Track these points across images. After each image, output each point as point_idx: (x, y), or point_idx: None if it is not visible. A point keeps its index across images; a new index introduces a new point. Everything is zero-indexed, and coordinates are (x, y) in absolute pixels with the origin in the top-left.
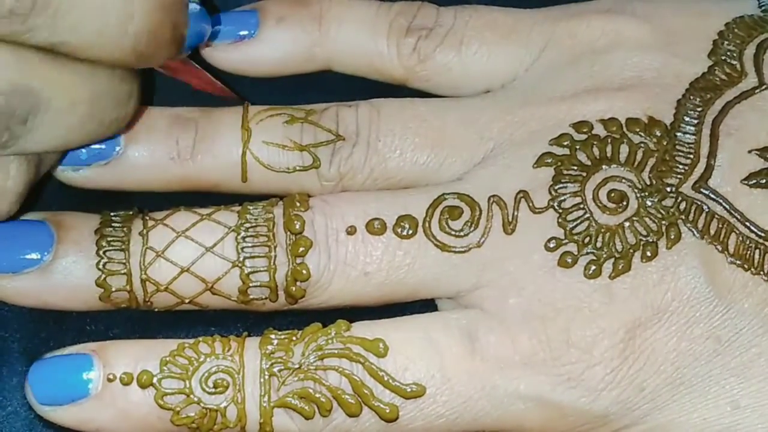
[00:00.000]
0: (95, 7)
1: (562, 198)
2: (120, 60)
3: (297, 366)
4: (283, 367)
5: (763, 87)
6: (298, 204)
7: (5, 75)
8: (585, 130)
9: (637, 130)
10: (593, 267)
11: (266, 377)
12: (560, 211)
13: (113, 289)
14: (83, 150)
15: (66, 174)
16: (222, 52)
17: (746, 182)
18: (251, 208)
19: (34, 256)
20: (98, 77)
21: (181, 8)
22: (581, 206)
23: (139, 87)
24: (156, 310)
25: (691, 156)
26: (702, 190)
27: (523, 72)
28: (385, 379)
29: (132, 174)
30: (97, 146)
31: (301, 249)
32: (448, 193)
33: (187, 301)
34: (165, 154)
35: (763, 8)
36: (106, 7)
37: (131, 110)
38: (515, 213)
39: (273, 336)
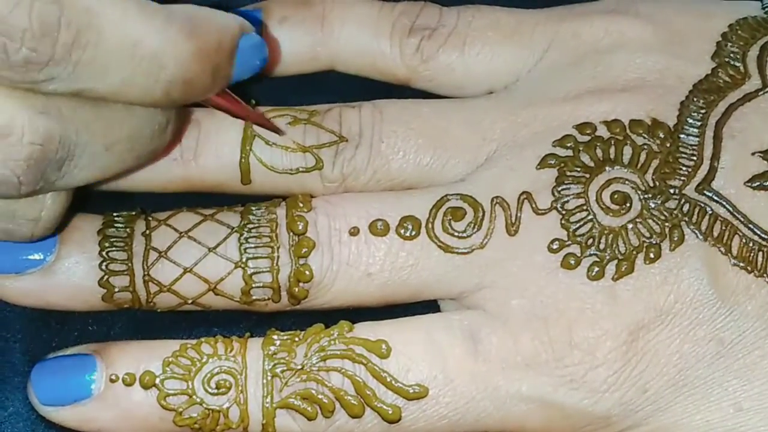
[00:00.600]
0: (121, 57)
1: (565, 199)
2: (153, 104)
3: (300, 367)
4: (285, 368)
5: (766, 89)
6: (301, 205)
7: (40, 124)
8: (588, 132)
9: (641, 131)
10: (596, 268)
11: (269, 378)
12: (563, 212)
13: (116, 290)
14: None
15: None
16: None
17: (749, 184)
18: (254, 208)
19: (36, 256)
20: (135, 115)
21: (227, 51)
22: (584, 208)
23: (176, 114)
24: (158, 310)
25: (695, 158)
26: (705, 192)
27: (526, 73)
28: (388, 380)
29: (135, 174)
30: None
31: (304, 250)
32: (451, 194)
33: (189, 301)
34: (167, 155)
35: (766, 10)
36: (134, 57)
37: (169, 137)
38: (518, 214)
39: (276, 337)
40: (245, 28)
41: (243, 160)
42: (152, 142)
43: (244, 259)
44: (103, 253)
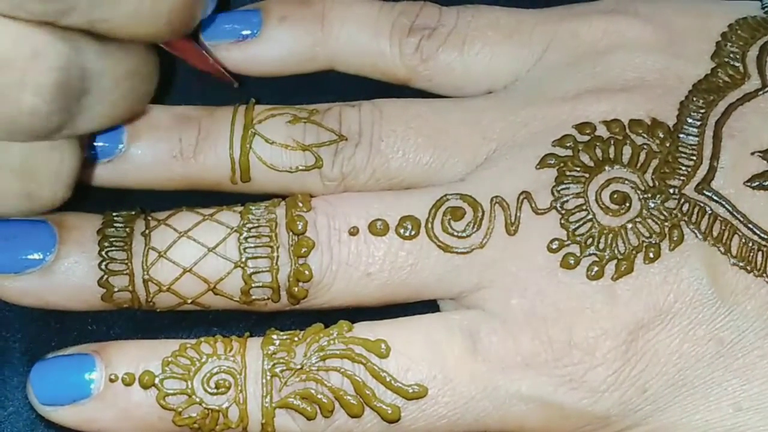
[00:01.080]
0: None
1: (565, 199)
2: (154, 35)
3: (299, 366)
4: (285, 368)
5: (766, 89)
6: (300, 204)
7: (62, 50)
8: (588, 131)
9: (640, 131)
10: (596, 268)
11: (268, 378)
12: (563, 212)
13: (115, 290)
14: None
15: None
16: (224, 52)
17: (749, 184)
18: (253, 208)
19: (36, 256)
20: (132, 53)
21: None
22: (584, 207)
23: (158, 62)
24: (158, 310)
25: (694, 158)
26: (705, 191)
27: (526, 72)
28: (387, 380)
29: (135, 172)
30: (99, 144)
31: (304, 249)
32: (451, 194)
33: (189, 301)
34: (167, 153)
35: (766, 10)
36: None
37: (155, 84)
38: (518, 214)
39: (275, 336)
40: None
41: (243, 158)
42: (146, 84)
43: (243, 259)
44: (103, 252)
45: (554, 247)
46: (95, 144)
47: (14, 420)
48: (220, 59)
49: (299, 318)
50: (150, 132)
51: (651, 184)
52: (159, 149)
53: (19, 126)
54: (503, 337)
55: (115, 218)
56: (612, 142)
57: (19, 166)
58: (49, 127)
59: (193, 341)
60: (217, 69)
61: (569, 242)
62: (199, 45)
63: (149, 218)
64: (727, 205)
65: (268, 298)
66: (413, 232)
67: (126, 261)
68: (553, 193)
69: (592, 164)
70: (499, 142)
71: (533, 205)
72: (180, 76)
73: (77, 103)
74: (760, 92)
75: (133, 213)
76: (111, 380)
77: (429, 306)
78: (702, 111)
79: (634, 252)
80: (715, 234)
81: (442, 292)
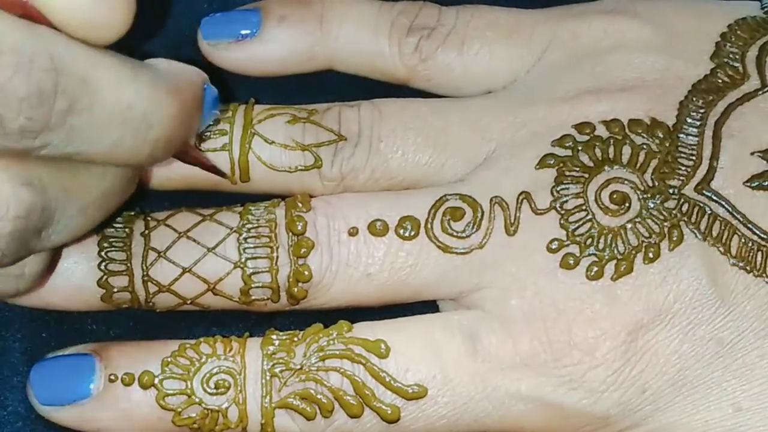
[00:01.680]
0: (114, 120)
1: (564, 199)
2: (136, 164)
3: (298, 367)
4: (284, 368)
5: (766, 89)
6: (300, 205)
7: (24, 197)
8: (587, 131)
9: (640, 131)
10: (595, 268)
11: (268, 378)
12: (562, 212)
13: (115, 290)
14: None
15: None
16: (224, 51)
17: (748, 184)
18: (253, 208)
19: None
20: (109, 175)
21: (200, 106)
22: (583, 207)
23: (136, 172)
24: (157, 310)
25: (694, 158)
26: (704, 191)
27: (525, 73)
28: (387, 380)
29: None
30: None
31: (303, 250)
32: (450, 194)
33: (188, 301)
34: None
35: (765, 10)
36: (125, 119)
37: (133, 188)
38: (517, 214)
39: (274, 337)
40: (206, 81)
41: (242, 158)
42: (119, 197)
43: (243, 259)
44: (102, 253)
45: (554, 247)
46: None
47: (14, 420)
48: (219, 58)
49: (299, 318)
50: None
51: (650, 184)
52: None
53: None
54: (503, 338)
55: (115, 219)
56: (611, 142)
57: None
58: (4, 263)
59: (193, 341)
60: (209, 165)
61: (569, 242)
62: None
63: (149, 218)
64: (726, 205)
65: (268, 299)
66: (413, 233)
67: (125, 261)
68: (552, 194)
69: (591, 164)
70: (499, 142)
71: (533, 206)
72: None
73: (37, 238)
74: (760, 92)
75: (133, 213)
76: (111, 380)
77: (429, 306)
78: (701, 111)
79: (633, 252)
80: (714, 234)
81: (442, 293)
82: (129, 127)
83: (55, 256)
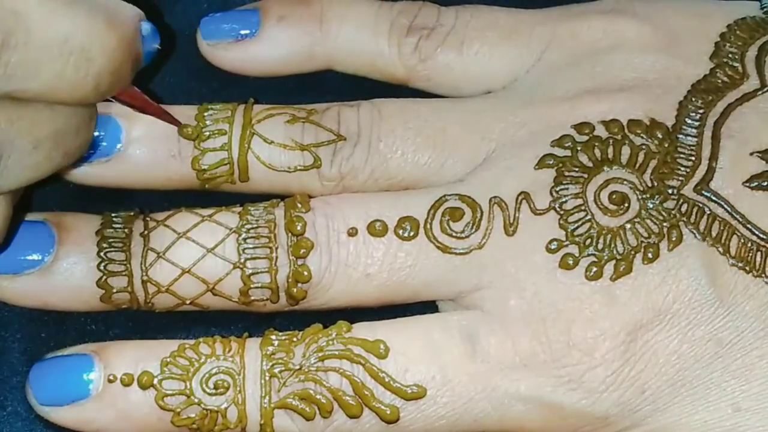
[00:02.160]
0: (50, 55)
1: (564, 199)
2: (81, 99)
3: (298, 367)
4: (283, 368)
5: (765, 89)
6: (299, 205)
7: None
8: (586, 132)
9: (639, 131)
10: (594, 269)
11: (267, 378)
12: (561, 212)
13: (114, 291)
14: None
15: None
16: (223, 51)
17: (748, 184)
18: (252, 209)
19: (35, 257)
20: (59, 113)
21: (139, 37)
22: (582, 208)
23: (95, 108)
24: (157, 311)
25: (693, 158)
26: (703, 192)
27: (524, 73)
28: (386, 380)
29: (133, 171)
30: (99, 143)
31: (303, 250)
32: (450, 195)
33: (188, 302)
34: (166, 152)
35: (765, 10)
36: (62, 52)
37: (92, 132)
38: (516, 214)
39: (274, 337)
40: (142, 16)
41: (241, 158)
42: (78, 138)
43: (242, 260)
44: (102, 253)
45: (553, 247)
46: (95, 143)
47: (13, 420)
48: (218, 58)
49: (298, 318)
50: (149, 131)
51: (650, 185)
52: (157, 148)
53: None
54: (502, 338)
55: (114, 219)
56: (611, 143)
57: None
58: None
59: (192, 342)
60: (161, 111)
61: (568, 243)
62: (137, 89)
63: (148, 219)
64: (725, 206)
65: (267, 299)
66: (412, 233)
67: (125, 262)
68: (551, 194)
69: (590, 164)
70: (498, 142)
71: (532, 206)
72: (179, 75)
73: None
74: (759, 92)
75: (132, 214)
76: (110, 381)
77: (428, 306)
78: (701, 111)
79: (632, 252)
80: (713, 234)
81: (441, 293)
82: (68, 60)
83: (18, 209)
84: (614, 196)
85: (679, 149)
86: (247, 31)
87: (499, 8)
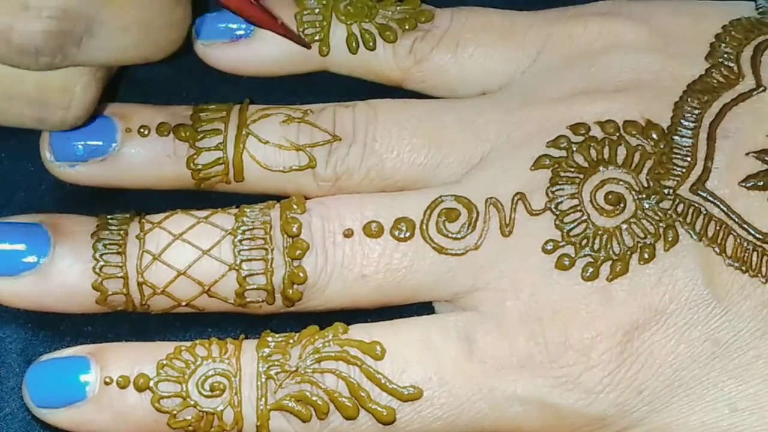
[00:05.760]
0: None
1: (559, 200)
2: None
3: (294, 369)
4: (280, 370)
5: (761, 89)
6: (295, 206)
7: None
8: (582, 132)
9: (634, 132)
10: (590, 269)
11: (263, 380)
12: (557, 213)
13: (110, 293)
14: (79, 146)
15: (61, 170)
16: (219, 51)
17: (744, 184)
18: (248, 210)
19: (30, 259)
20: (148, 3)
21: None
22: (578, 208)
23: (191, 11)
24: (152, 313)
25: (689, 158)
26: (699, 192)
27: (520, 74)
28: (383, 381)
29: (128, 171)
30: (93, 143)
31: (298, 252)
32: (446, 195)
33: (184, 303)
34: (161, 152)
35: (760, 11)
36: None
37: (184, 33)
38: (512, 215)
39: (270, 339)
40: None
41: (236, 158)
42: (167, 33)
43: (238, 261)
44: (97, 255)
45: (549, 248)
46: (88, 143)
47: (10, 422)
48: (213, 58)
49: (294, 320)
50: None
51: (645, 185)
52: (153, 149)
53: (13, 60)
54: (498, 339)
55: (110, 221)
56: (606, 143)
57: (31, 96)
58: (40, 63)
59: (188, 343)
60: (285, 29)
61: (564, 243)
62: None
63: (144, 221)
64: (721, 206)
65: (263, 301)
66: (408, 234)
67: (120, 264)
68: (547, 194)
69: (586, 165)
70: (494, 142)
71: (528, 206)
72: (177, 75)
73: (76, 46)
74: (755, 92)
75: (128, 216)
76: (106, 383)
77: (424, 307)
78: (696, 112)
79: (628, 253)
80: (710, 234)
81: (438, 294)
82: None
83: (101, 91)
84: (610, 197)
85: (675, 150)
86: (243, 32)
87: (494, 10)
